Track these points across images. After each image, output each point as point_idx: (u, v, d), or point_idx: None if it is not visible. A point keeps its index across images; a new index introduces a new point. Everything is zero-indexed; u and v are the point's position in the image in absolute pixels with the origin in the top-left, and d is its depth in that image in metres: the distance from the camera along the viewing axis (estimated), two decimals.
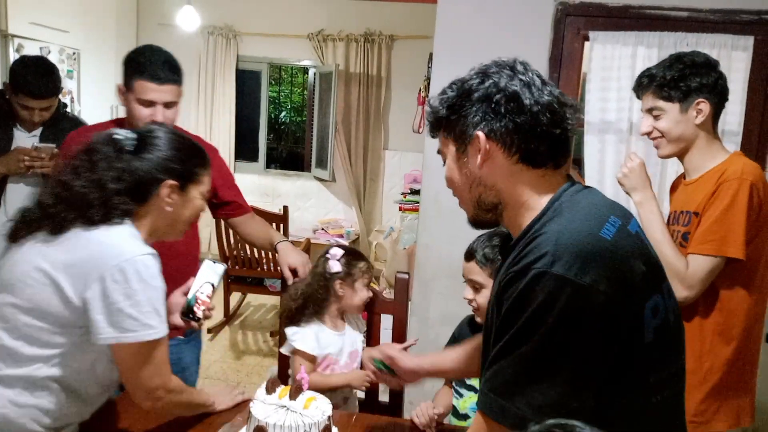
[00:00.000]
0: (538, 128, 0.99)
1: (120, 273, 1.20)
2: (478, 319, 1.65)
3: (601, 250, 0.93)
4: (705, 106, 1.63)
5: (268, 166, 6.07)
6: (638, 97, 1.75)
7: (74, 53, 4.85)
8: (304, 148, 6.32)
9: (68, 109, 3.48)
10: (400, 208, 4.89)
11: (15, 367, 1.24)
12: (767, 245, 1.63)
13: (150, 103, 1.78)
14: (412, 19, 5.05)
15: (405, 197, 4.95)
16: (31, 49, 4.38)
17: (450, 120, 1.05)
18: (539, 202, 1.03)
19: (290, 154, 7.25)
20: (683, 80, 1.62)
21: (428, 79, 3.88)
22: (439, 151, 1.12)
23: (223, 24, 5.54)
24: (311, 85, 5.93)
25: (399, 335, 1.93)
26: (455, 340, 1.76)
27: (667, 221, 1.76)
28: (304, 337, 1.78)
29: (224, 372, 3.70)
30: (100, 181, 1.26)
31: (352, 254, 1.87)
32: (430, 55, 2.67)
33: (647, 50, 2.38)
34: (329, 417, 1.36)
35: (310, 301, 1.81)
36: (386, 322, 1.98)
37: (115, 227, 1.25)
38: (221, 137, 5.71)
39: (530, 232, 1.00)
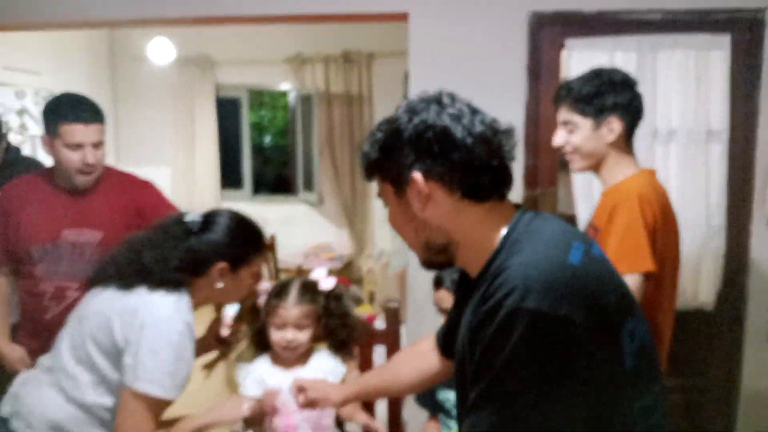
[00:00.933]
0: (475, 161, 0.95)
1: (155, 331, 1.37)
2: None
3: (572, 277, 0.88)
4: (617, 125, 1.64)
5: (256, 191, 6.01)
6: (556, 108, 1.75)
7: (49, 95, 4.78)
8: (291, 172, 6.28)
9: (27, 152, 3.35)
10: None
11: (73, 391, 1.44)
12: (667, 260, 1.64)
13: (78, 146, 1.82)
14: (390, 36, 4.99)
15: None
16: (6, 94, 4.33)
17: (383, 163, 1.01)
18: (493, 236, 0.98)
19: (278, 178, 7.20)
20: (598, 97, 1.63)
21: (406, 98, 3.86)
22: (378, 195, 1.07)
23: (198, 53, 5.49)
24: (292, 109, 5.90)
25: None
26: None
27: None
28: (248, 376, 1.66)
29: None
30: (164, 256, 1.46)
31: (276, 290, 1.68)
32: (406, 73, 2.62)
33: (625, 54, 2.35)
34: None
35: (253, 334, 1.71)
36: (379, 352, 1.92)
37: (170, 294, 1.44)
38: (205, 167, 5.64)
39: (491, 269, 0.95)
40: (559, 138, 1.71)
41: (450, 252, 1.03)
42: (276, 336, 1.63)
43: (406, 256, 2.99)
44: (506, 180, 1.00)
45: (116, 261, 1.52)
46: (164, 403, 1.39)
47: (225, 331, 1.71)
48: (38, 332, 1.93)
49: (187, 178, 5.60)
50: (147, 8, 2.57)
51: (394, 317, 1.91)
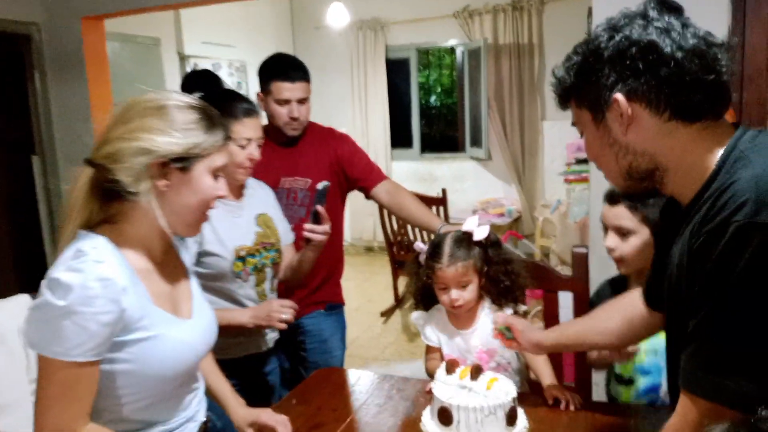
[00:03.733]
0: (687, 77, 0.87)
1: None
2: (622, 270, 1.51)
3: None
4: None
5: (423, 151, 6.12)
6: None
7: (241, 65, 5.26)
8: (458, 130, 6.28)
9: None
10: (566, 180, 4.65)
11: None
12: None
13: (285, 102, 1.98)
14: None
15: (569, 168, 4.70)
16: (205, 66, 4.82)
17: (580, 88, 0.95)
18: (709, 157, 0.90)
19: (443, 138, 7.26)
20: None
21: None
22: (573, 124, 1.01)
23: (371, 17, 5.66)
24: (460, 65, 5.86)
25: (581, 315, 1.80)
26: (593, 305, 1.58)
27: None
28: (426, 325, 1.68)
29: (399, 354, 3.80)
30: None
31: (431, 249, 1.61)
32: (589, 10, 2.47)
33: None
34: (514, 399, 1.31)
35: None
36: (563, 300, 1.88)
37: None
38: (376, 127, 5.86)
39: (710, 189, 0.87)
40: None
41: (656, 178, 0.96)
42: (441, 297, 1.60)
43: (586, 206, 2.87)
44: (723, 96, 0.90)
45: None
46: None
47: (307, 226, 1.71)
48: None
49: (361, 138, 5.87)
50: None
51: (582, 263, 1.84)
